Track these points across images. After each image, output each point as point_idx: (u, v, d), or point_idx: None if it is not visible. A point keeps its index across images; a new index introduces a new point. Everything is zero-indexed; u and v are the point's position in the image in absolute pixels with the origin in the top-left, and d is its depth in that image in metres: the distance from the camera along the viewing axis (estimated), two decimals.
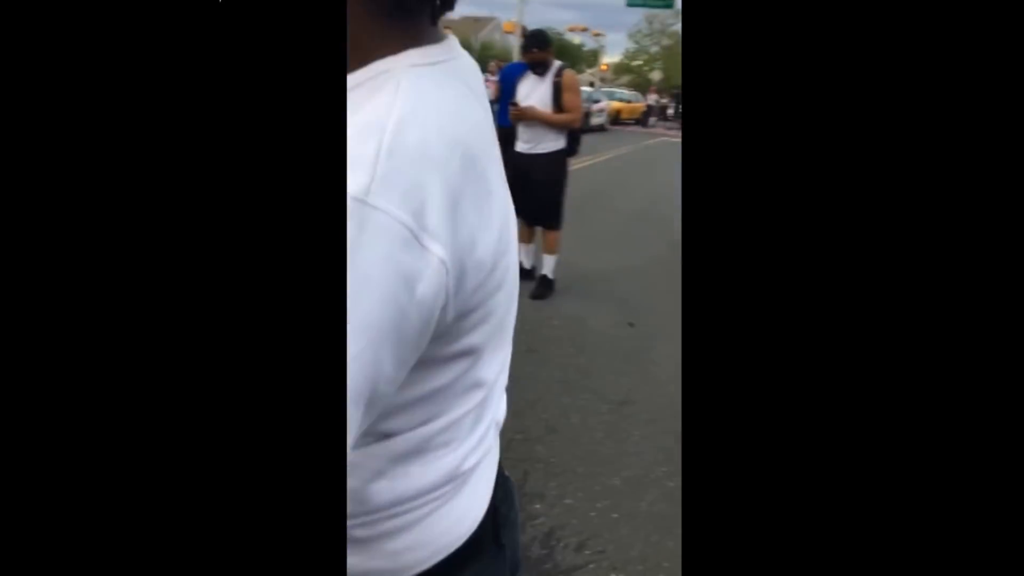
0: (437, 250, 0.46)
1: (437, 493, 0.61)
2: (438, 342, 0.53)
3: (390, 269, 0.44)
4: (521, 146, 4.49)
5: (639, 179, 10.97)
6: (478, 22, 43.65)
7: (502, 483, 0.73)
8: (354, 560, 0.58)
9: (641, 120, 26.61)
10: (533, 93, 4.37)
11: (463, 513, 0.65)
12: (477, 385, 0.60)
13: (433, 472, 0.60)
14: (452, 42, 0.59)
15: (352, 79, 0.53)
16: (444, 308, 0.49)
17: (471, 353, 0.57)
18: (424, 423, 0.58)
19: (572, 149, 4.57)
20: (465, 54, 0.62)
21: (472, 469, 0.64)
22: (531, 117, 4.35)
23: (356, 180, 0.44)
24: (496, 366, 0.63)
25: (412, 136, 0.47)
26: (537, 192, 4.42)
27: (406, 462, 0.59)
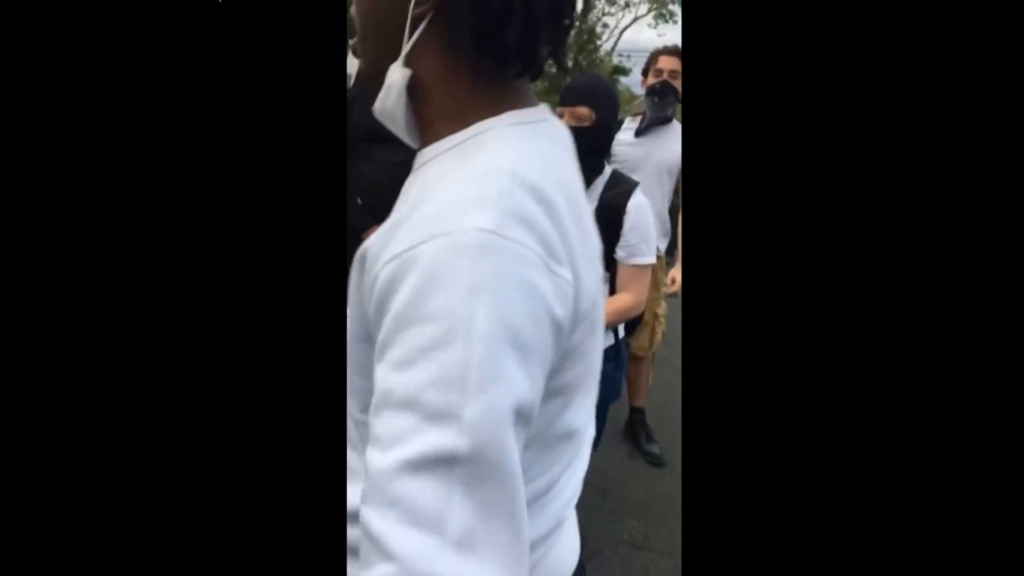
0: (565, 273, 0.49)
1: (547, 540, 0.64)
2: None
3: (533, 291, 0.46)
4: None
5: None
6: None
7: None
8: None
9: None
10: None
11: (568, 554, 0.70)
12: (570, 434, 0.62)
13: (545, 522, 0.63)
14: (545, 108, 0.64)
15: (455, 138, 0.57)
16: (568, 329, 0.51)
17: (564, 393, 0.57)
18: (532, 481, 0.59)
19: None
20: (556, 119, 0.66)
21: (568, 516, 0.68)
22: None
23: (486, 216, 0.47)
24: (585, 414, 0.64)
25: (527, 178, 0.51)
26: None
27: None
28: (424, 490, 0.43)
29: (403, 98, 0.57)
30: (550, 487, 0.62)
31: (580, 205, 0.57)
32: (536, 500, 0.60)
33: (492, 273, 0.44)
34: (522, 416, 0.46)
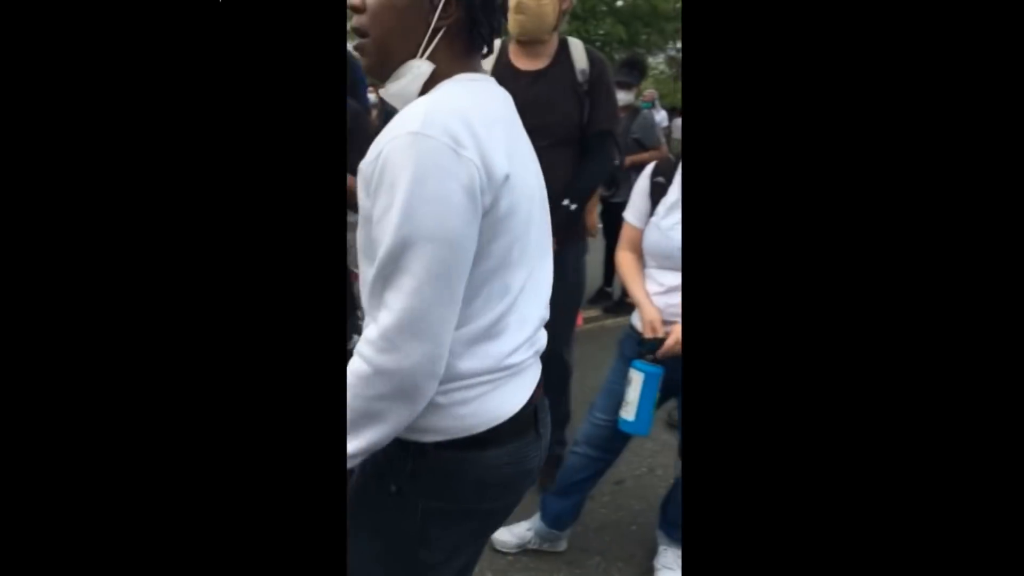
0: (470, 155, 0.76)
1: (490, 376, 0.89)
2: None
3: (442, 172, 0.74)
4: None
5: None
6: None
7: (541, 400, 1.03)
8: (433, 420, 0.86)
9: None
10: None
11: (509, 398, 0.93)
12: (504, 289, 0.87)
13: (484, 359, 0.88)
14: (490, 78, 0.93)
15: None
16: (482, 193, 0.78)
17: (493, 258, 0.83)
18: (473, 319, 0.85)
19: None
20: (501, 88, 0.94)
21: (516, 368, 0.93)
22: None
23: (412, 125, 0.74)
24: (522, 276, 0.90)
25: (448, 102, 0.80)
26: None
27: (469, 348, 0.86)
28: (372, 284, 0.77)
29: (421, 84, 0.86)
30: (490, 330, 0.87)
31: (498, 127, 0.83)
32: (478, 339, 0.87)
33: (414, 157, 0.73)
34: (449, 231, 0.75)
